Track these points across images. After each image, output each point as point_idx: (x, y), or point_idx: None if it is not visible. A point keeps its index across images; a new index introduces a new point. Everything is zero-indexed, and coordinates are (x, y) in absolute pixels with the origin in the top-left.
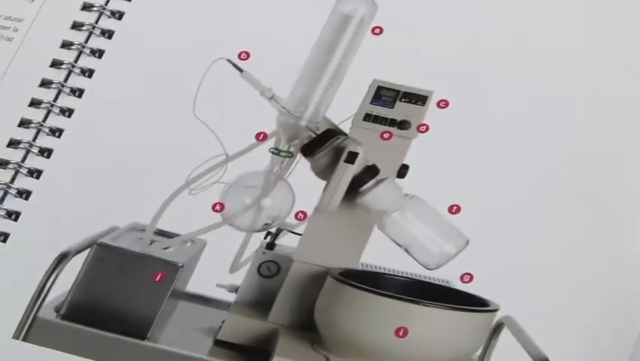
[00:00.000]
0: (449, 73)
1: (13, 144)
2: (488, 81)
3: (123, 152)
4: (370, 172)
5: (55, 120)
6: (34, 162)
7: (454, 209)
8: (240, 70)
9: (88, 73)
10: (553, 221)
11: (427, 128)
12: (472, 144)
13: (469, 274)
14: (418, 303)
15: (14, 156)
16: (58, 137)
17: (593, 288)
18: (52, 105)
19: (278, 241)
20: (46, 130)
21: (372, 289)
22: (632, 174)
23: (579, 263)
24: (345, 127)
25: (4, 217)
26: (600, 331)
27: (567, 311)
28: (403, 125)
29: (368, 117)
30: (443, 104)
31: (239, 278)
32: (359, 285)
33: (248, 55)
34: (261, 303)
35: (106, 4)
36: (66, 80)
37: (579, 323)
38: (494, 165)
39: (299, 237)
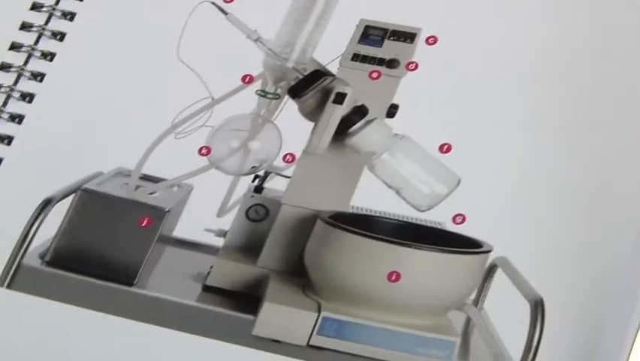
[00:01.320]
0: (437, 8)
1: None
2: (478, 16)
3: (108, 96)
4: (359, 113)
5: (38, 65)
6: (16, 107)
7: (445, 148)
8: (225, 12)
9: (69, 16)
10: (547, 159)
11: (417, 66)
12: (462, 80)
13: (461, 215)
14: (409, 246)
15: None
16: (40, 81)
17: (586, 227)
18: (32, 49)
19: (266, 185)
20: (28, 75)
21: (363, 232)
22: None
23: (573, 202)
24: (333, 68)
25: None
26: (594, 270)
27: (561, 251)
28: (391, 63)
29: (356, 57)
30: (432, 40)
31: (227, 223)
32: (350, 228)
33: None
34: (249, 247)
35: None
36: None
37: (573, 262)
38: (486, 102)
39: (287, 180)
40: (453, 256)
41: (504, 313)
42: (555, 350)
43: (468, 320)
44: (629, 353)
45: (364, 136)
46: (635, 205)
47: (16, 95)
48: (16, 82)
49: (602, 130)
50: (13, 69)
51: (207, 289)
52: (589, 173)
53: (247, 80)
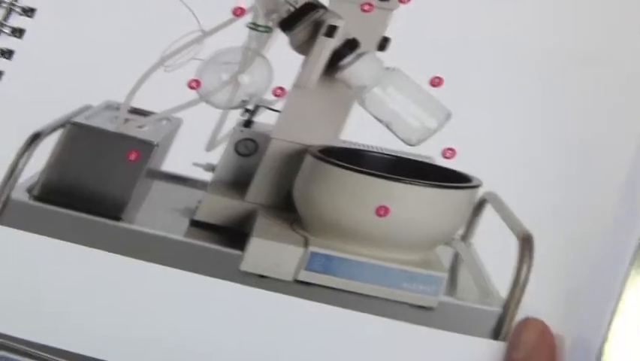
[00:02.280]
0: None
1: None
2: None
3: (96, 28)
4: (350, 46)
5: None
6: (6, 42)
7: (436, 81)
8: None
9: None
10: (540, 95)
11: None
12: (456, 13)
13: (451, 149)
14: (398, 181)
15: None
16: (30, 16)
17: (578, 162)
18: None
19: (255, 119)
20: (18, 10)
21: (352, 166)
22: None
23: (565, 139)
24: (325, 0)
25: None
26: (585, 208)
27: (552, 187)
28: None
29: None
30: None
31: (216, 157)
32: (338, 162)
33: None
34: (238, 182)
35: None
36: None
37: (564, 198)
38: (478, 36)
39: (277, 114)
40: (442, 191)
41: (493, 249)
42: (543, 287)
43: (456, 256)
44: (620, 294)
45: (355, 70)
46: (627, 146)
47: (7, 30)
48: (5, 17)
49: (597, 66)
50: None
51: (195, 224)
52: (583, 111)
53: (238, 12)
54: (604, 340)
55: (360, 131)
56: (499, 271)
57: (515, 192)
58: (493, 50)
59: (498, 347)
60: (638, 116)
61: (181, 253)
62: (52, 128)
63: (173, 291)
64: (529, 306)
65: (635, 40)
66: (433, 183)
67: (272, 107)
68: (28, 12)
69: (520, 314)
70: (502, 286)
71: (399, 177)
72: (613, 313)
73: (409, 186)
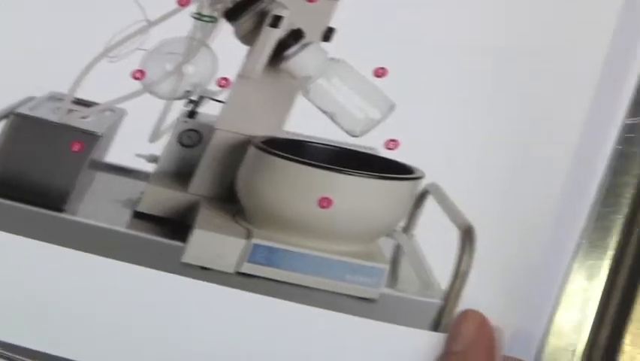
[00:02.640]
0: None
1: None
2: None
3: (40, 18)
4: (295, 36)
5: None
6: None
7: (380, 72)
8: None
9: None
10: (484, 85)
11: None
12: (400, 4)
13: (394, 140)
14: (340, 172)
15: None
16: None
17: (520, 156)
18: None
19: (200, 109)
20: None
21: (294, 157)
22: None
23: (507, 130)
24: None
25: None
26: (527, 199)
27: (494, 179)
28: None
29: None
30: None
31: (159, 148)
32: (280, 153)
33: None
34: (181, 174)
35: None
36: None
37: (506, 191)
38: (423, 28)
39: (221, 105)
40: (384, 182)
41: (434, 241)
42: (484, 279)
43: (397, 247)
44: (562, 287)
45: (300, 60)
46: (568, 141)
47: None
48: None
49: (539, 61)
50: None
51: (138, 215)
52: (525, 105)
53: (183, 2)
54: (545, 332)
55: (304, 122)
56: (441, 263)
57: (458, 185)
58: (437, 42)
59: (438, 338)
60: (579, 111)
61: (123, 245)
62: None
63: (114, 283)
64: (470, 298)
65: (577, 35)
66: (375, 174)
67: (216, 97)
68: None
69: (461, 306)
70: (443, 278)
71: (341, 169)
72: (555, 306)
73: (351, 177)
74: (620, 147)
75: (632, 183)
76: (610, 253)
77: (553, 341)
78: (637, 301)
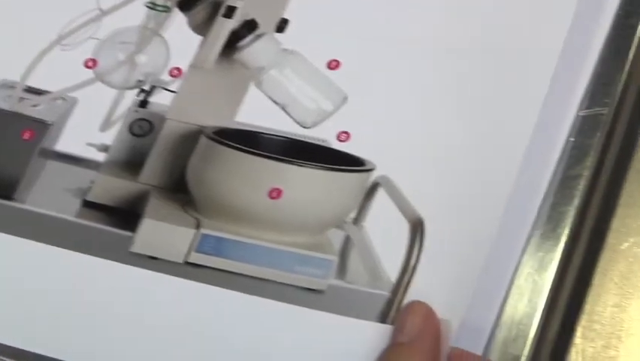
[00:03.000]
0: None
1: None
2: None
3: None
4: (249, 27)
5: None
6: None
7: (333, 64)
8: None
9: None
10: (436, 80)
11: None
12: None
13: (345, 132)
14: (291, 163)
15: None
16: None
17: (474, 149)
18: None
19: (151, 99)
20: None
21: (245, 148)
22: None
23: (462, 123)
24: None
25: None
26: (477, 190)
27: (447, 172)
28: None
29: None
30: None
31: (111, 137)
32: (231, 144)
33: None
34: (132, 163)
35: None
36: None
37: (459, 184)
38: (378, 19)
39: (173, 94)
40: (334, 174)
41: (384, 233)
42: (434, 272)
43: (347, 239)
44: (512, 280)
45: (253, 51)
46: (523, 134)
47: None
48: None
49: (497, 54)
50: None
51: (87, 204)
52: (479, 94)
53: None
54: (495, 324)
55: (255, 113)
56: (391, 256)
57: (409, 177)
58: (392, 34)
59: (385, 330)
60: (533, 103)
61: (72, 234)
62: None
63: (62, 272)
64: (419, 291)
65: (532, 30)
66: (325, 165)
67: (168, 87)
68: None
69: (409, 298)
70: (393, 270)
71: (292, 160)
72: (505, 297)
73: (301, 168)
74: (573, 140)
75: (584, 175)
76: (561, 246)
77: (502, 333)
78: (588, 294)
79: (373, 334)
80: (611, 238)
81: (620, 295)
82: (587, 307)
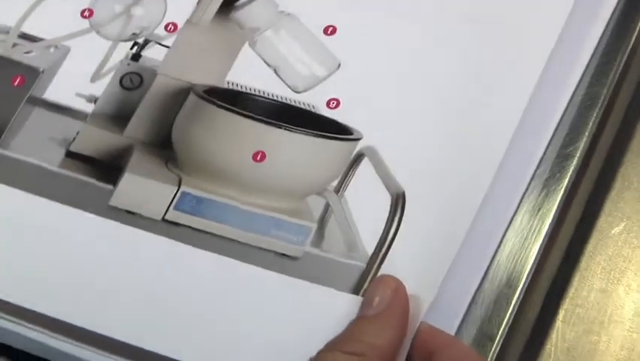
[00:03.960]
0: None
1: None
2: None
3: None
4: None
5: None
6: None
7: (330, 30)
8: None
9: None
10: (429, 51)
11: None
12: None
13: (335, 99)
14: (277, 126)
15: None
16: None
17: (461, 127)
18: None
19: (145, 53)
20: None
21: (231, 107)
22: None
23: (452, 98)
24: None
25: None
26: (462, 169)
27: (434, 147)
28: None
29: None
30: None
31: (100, 89)
32: (218, 102)
33: None
34: (119, 116)
35: None
36: None
37: (444, 161)
38: None
39: (166, 50)
40: (319, 141)
41: (366, 204)
42: (412, 247)
43: (327, 207)
44: (491, 262)
45: (250, 10)
46: (513, 109)
47: None
48: None
49: (486, 24)
50: None
51: (71, 155)
52: (471, 68)
53: None
54: (472, 302)
55: (247, 73)
56: (371, 227)
57: (396, 151)
58: (390, 6)
59: (355, 301)
60: (530, 77)
61: (52, 183)
62: None
63: (39, 220)
64: (395, 265)
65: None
66: (310, 131)
67: (162, 42)
68: None
69: (385, 272)
70: (372, 242)
71: (278, 123)
72: (483, 277)
73: (286, 132)
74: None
75: (575, 156)
76: (547, 225)
77: (478, 312)
78: (574, 277)
79: (342, 304)
80: (602, 222)
81: (606, 281)
82: (572, 290)
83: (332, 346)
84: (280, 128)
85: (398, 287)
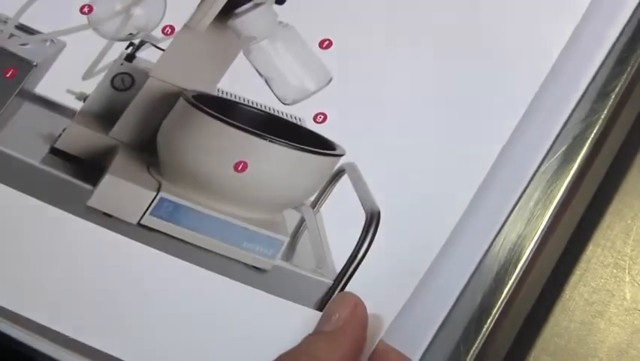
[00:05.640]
0: None
1: None
2: None
3: None
4: None
5: None
6: None
7: (326, 44)
8: None
9: None
10: (419, 66)
11: None
12: None
13: (323, 113)
14: (261, 137)
15: None
16: None
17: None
18: None
19: (139, 54)
20: None
21: (217, 115)
22: None
23: (438, 119)
24: None
25: None
26: (440, 193)
27: (416, 170)
28: None
29: None
30: None
31: (91, 87)
32: (204, 109)
33: None
34: (107, 116)
35: None
36: None
37: (424, 183)
38: (377, 5)
39: (161, 53)
40: (302, 154)
41: (342, 221)
42: (382, 266)
43: (302, 221)
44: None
45: (249, 19)
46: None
47: None
48: None
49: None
50: None
51: (55, 152)
52: (462, 93)
53: None
54: (440, 327)
55: (238, 82)
56: (344, 244)
57: (377, 169)
58: (390, 22)
59: (313, 316)
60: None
61: (32, 179)
62: None
63: (13, 213)
64: (365, 282)
65: None
66: (293, 144)
67: (158, 44)
68: None
69: (353, 289)
70: (343, 259)
71: (262, 134)
72: (452, 308)
73: (269, 144)
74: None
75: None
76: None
77: (444, 335)
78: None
79: (301, 319)
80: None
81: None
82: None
83: (281, 359)
84: (264, 139)
85: (358, 305)
